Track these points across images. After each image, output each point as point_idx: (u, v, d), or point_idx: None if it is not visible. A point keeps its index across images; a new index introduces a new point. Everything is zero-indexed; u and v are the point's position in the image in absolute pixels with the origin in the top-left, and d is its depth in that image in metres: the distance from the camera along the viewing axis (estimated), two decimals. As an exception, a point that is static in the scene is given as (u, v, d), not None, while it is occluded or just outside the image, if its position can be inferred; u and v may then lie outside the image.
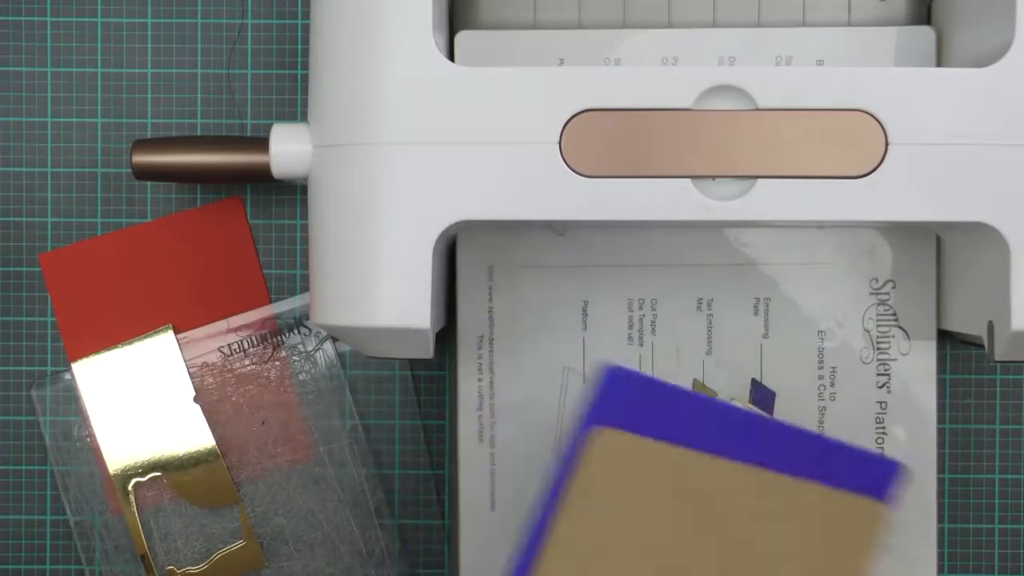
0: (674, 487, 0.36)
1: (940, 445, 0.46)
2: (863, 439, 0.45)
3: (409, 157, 0.39)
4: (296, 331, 0.47)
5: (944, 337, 0.45)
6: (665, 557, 0.35)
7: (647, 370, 0.45)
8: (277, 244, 0.47)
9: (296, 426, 0.47)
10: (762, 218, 0.39)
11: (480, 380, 0.45)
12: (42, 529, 0.47)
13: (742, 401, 0.45)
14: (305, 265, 0.47)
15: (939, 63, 0.43)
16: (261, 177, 0.42)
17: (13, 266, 0.47)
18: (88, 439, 0.46)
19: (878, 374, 0.45)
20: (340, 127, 0.39)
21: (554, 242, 0.45)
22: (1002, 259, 0.39)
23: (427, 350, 0.40)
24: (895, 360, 0.45)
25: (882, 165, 0.39)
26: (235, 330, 0.47)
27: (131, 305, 0.47)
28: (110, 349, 0.46)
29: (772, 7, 0.44)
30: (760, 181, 0.39)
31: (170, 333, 0.46)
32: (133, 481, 0.46)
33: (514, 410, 0.45)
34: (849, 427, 0.45)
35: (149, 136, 0.47)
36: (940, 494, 0.46)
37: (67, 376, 0.47)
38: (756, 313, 0.45)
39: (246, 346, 0.47)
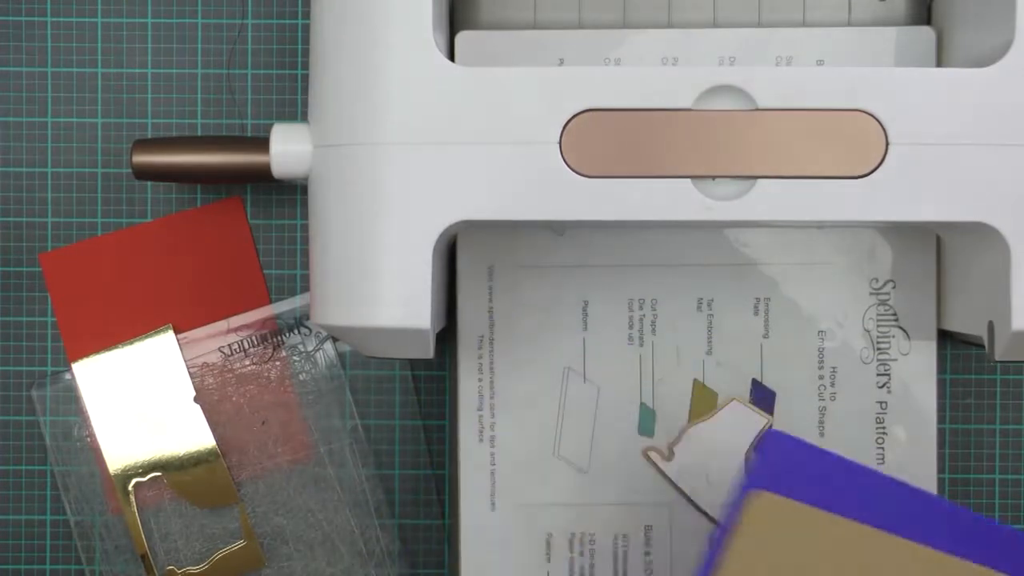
0: (832, 556, 0.35)
1: (940, 445, 0.46)
2: (863, 439, 0.45)
3: (409, 157, 0.39)
4: (296, 331, 0.47)
5: (944, 337, 0.45)
6: None
7: (647, 370, 0.45)
8: (277, 244, 0.47)
9: (296, 426, 0.47)
10: (762, 218, 0.39)
11: (480, 380, 0.45)
12: (42, 529, 0.47)
13: (742, 401, 0.45)
14: (305, 265, 0.47)
15: (939, 63, 0.43)
16: (261, 177, 0.42)
17: (13, 266, 0.47)
18: (88, 439, 0.46)
19: (878, 374, 0.45)
20: (340, 127, 0.39)
21: (554, 242, 0.45)
22: (1002, 259, 0.39)
23: (427, 350, 0.40)
24: (895, 360, 0.45)
25: (882, 165, 0.39)
26: (235, 330, 0.47)
27: (131, 305, 0.47)
28: (110, 349, 0.46)
29: (772, 7, 0.44)
30: (760, 181, 0.39)
31: (170, 333, 0.46)
32: (133, 481, 0.46)
33: (514, 410, 0.45)
34: (849, 427, 0.45)
35: (149, 136, 0.47)
36: (940, 494, 0.46)
37: (67, 376, 0.47)
38: (756, 313, 0.45)
39: (246, 346, 0.47)
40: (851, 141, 0.38)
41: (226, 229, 0.47)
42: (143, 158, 0.43)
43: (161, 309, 0.47)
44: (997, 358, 0.40)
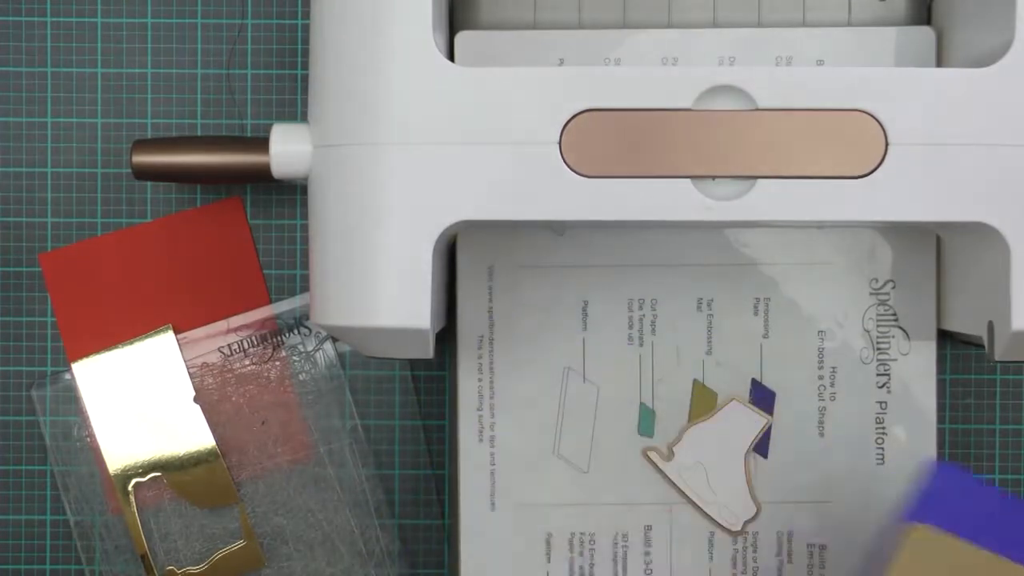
0: None
1: (940, 445, 0.46)
2: (863, 439, 0.45)
3: (409, 157, 0.39)
4: (296, 331, 0.47)
5: (944, 337, 0.45)
6: None
7: (647, 370, 0.45)
8: (277, 244, 0.47)
9: (296, 426, 0.47)
10: (762, 218, 0.39)
11: (480, 380, 0.45)
12: (42, 529, 0.47)
13: (742, 401, 0.45)
14: (305, 265, 0.47)
15: (939, 63, 0.43)
16: (261, 177, 0.42)
17: (13, 266, 0.47)
18: (88, 439, 0.46)
19: (878, 374, 0.45)
20: (340, 127, 0.39)
21: (554, 242, 0.45)
22: (1002, 259, 0.39)
23: (427, 350, 0.40)
24: (895, 360, 0.45)
25: (882, 165, 0.39)
26: (235, 330, 0.47)
27: (131, 305, 0.47)
28: (110, 349, 0.46)
29: (772, 7, 0.44)
30: (760, 181, 0.39)
31: (170, 333, 0.46)
32: (133, 481, 0.46)
33: (514, 410, 0.45)
34: (849, 427, 0.45)
35: (149, 136, 0.47)
36: (940, 494, 0.46)
37: (67, 376, 0.46)
38: (756, 313, 0.45)
39: (246, 346, 0.47)
40: (851, 141, 0.38)
41: (226, 229, 0.47)
42: (143, 158, 0.43)
43: (161, 309, 0.47)
44: (997, 358, 0.40)
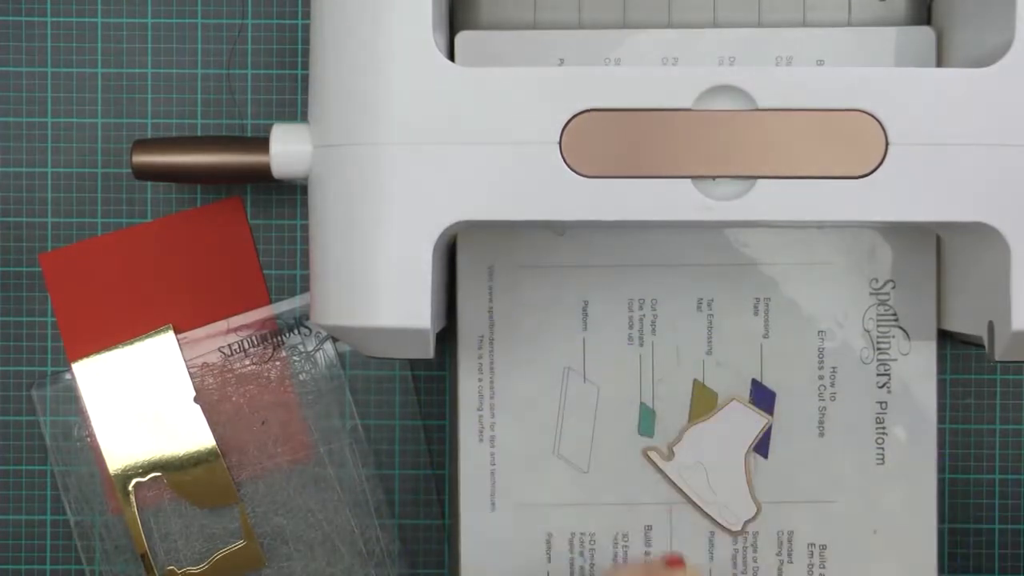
0: None
1: (940, 445, 0.46)
2: (863, 439, 0.45)
3: (409, 157, 0.39)
4: (296, 331, 0.47)
5: (944, 337, 0.45)
6: None
7: (647, 370, 0.45)
8: (277, 244, 0.47)
9: (296, 426, 0.47)
10: (762, 218, 0.39)
11: (480, 380, 0.45)
12: (42, 529, 0.47)
13: (742, 401, 0.45)
14: (305, 265, 0.47)
15: (939, 63, 0.43)
16: (261, 177, 0.42)
17: (13, 266, 0.47)
18: (88, 439, 0.46)
19: (878, 374, 0.45)
20: (340, 127, 0.39)
21: (554, 242, 0.45)
22: (1002, 259, 0.39)
23: (427, 350, 0.40)
24: (895, 360, 0.45)
25: (882, 165, 0.39)
26: (235, 330, 0.47)
27: (131, 305, 0.47)
28: (110, 349, 0.46)
29: (772, 7, 0.44)
30: (760, 181, 0.39)
31: (170, 333, 0.46)
32: (133, 481, 0.46)
33: (514, 410, 0.45)
34: (849, 427, 0.45)
35: (149, 136, 0.47)
36: (940, 494, 0.46)
37: (67, 376, 0.46)
38: (756, 313, 0.45)
39: (246, 346, 0.47)
40: (851, 141, 0.38)
41: (226, 229, 0.47)
42: (143, 158, 0.43)
43: (161, 309, 0.47)
44: (997, 358, 0.40)
